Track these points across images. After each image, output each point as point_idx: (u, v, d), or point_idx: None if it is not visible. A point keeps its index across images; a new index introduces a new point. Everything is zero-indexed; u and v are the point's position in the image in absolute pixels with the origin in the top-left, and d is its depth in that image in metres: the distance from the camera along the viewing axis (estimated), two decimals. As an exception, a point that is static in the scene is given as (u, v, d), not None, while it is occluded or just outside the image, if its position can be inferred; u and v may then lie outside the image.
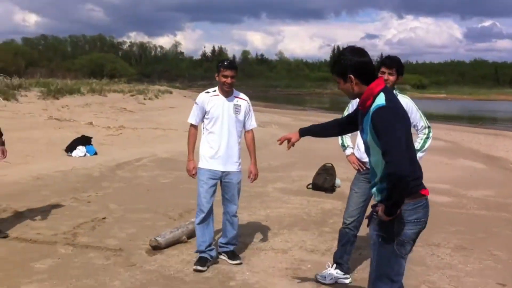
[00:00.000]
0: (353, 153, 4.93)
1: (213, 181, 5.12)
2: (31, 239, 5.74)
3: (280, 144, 3.86)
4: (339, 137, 4.96)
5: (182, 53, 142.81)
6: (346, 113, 4.98)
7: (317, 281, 4.82)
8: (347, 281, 4.85)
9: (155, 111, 25.03)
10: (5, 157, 5.89)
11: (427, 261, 5.49)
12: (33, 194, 7.82)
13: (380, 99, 3.06)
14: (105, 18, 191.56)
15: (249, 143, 5.29)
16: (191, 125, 5.17)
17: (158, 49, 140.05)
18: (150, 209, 7.17)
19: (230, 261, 5.24)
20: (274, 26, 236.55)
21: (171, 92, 42.28)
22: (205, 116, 5.06)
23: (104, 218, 6.69)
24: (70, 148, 11.66)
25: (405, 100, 4.68)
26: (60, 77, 48.53)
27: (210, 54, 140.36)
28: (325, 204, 7.85)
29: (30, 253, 5.33)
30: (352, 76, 3.12)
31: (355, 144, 4.99)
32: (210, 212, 5.15)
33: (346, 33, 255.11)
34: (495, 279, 5.04)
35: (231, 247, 5.35)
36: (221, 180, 5.16)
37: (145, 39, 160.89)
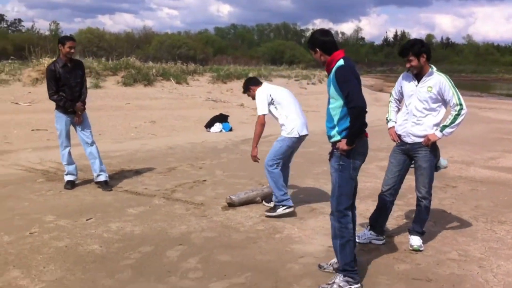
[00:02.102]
0: (393, 127, 5.26)
1: None
2: (136, 192, 7.00)
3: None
4: (388, 112, 5.38)
5: (362, 38, 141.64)
6: (393, 91, 5.36)
7: (353, 240, 5.29)
8: (380, 242, 5.25)
9: (312, 95, 25.92)
10: (78, 124, 6.98)
11: (478, 235, 5.58)
12: (160, 160, 9.21)
13: (340, 62, 4.13)
14: (291, 6, 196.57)
15: None
16: None
17: (340, 35, 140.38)
18: (248, 176, 8.07)
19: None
20: (466, 7, 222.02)
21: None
22: None
23: (205, 180, 7.76)
24: (209, 124, 13.10)
25: (439, 78, 4.92)
26: (242, 64, 51.75)
27: (392, 39, 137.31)
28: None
29: (130, 201, 6.56)
30: (318, 49, 4.23)
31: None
32: None
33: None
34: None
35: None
36: None
37: (329, 25, 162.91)
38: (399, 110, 5.35)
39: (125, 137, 11.70)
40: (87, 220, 5.79)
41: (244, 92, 6.57)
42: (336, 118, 4.18)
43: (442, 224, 5.96)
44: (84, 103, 7.03)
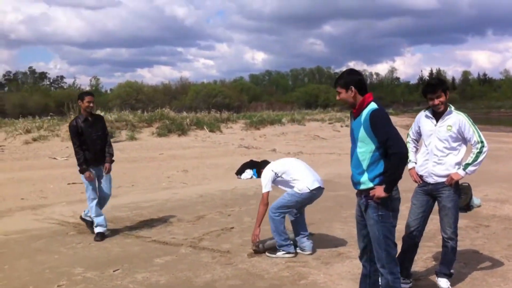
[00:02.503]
0: (414, 167, 5.23)
1: None
2: (164, 241, 7.06)
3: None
4: None
5: (397, 78, 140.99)
6: (410, 131, 5.35)
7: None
8: (406, 286, 5.12)
9: (346, 138, 25.79)
10: (106, 173, 7.39)
11: (509, 275, 5.41)
12: (189, 208, 9.28)
13: (373, 105, 4.01)
14: (324, 50, 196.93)
15: None
16: None
17: (374, 76, 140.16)
18: (276, 222, 8.03)
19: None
20: (502, 42, 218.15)
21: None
22: None
23: (232, 227, 7.78)
24: (240, 171, 13.17)
25: (459, 117, 4.92)
26: (277, 109, 52.23)
27: (427, 78, 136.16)
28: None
29: (157, 251, 6.61)
30: (353, 88, 4.05)
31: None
32: None
33: None
34: None
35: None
36: None
37: (363, 67, 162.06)
38: (417, 150, 5.32)
39: (157, 187, 11.87)
40: (114, 271, 5.85)
41: (259, 176, 6.72)
42: (365, 164, 4.06)
43: (473, 265, 5.80)
44: (111, 159, 7.40)
